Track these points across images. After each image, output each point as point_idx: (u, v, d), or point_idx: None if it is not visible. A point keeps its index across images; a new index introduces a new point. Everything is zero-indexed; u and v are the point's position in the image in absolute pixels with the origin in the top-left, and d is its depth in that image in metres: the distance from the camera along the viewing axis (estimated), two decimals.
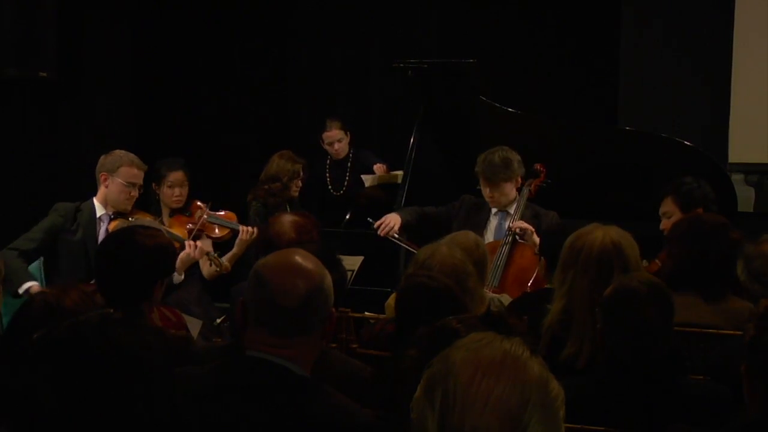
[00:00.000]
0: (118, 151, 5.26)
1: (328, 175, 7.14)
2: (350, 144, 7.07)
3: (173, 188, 5.75)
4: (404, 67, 6.13)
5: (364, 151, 7.20)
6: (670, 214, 4.90)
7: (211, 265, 5.43)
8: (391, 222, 5.47)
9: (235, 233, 5.66)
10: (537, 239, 5.23)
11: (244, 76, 8.23)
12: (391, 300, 4.05)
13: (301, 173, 6.26)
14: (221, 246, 5.71)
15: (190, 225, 5.64)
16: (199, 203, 5.82)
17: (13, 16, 6.39)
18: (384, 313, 4.12)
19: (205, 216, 5.63)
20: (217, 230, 5.70)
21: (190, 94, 7.86)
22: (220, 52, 8.10)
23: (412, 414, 1.57)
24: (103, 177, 5.18)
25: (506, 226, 5.42)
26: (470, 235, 4.21)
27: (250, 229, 5.61)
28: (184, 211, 5.82)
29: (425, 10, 7.98)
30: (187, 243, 5.33)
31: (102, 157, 5.25)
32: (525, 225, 5.28)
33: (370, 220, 5.52)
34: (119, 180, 5.16)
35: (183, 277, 5.29)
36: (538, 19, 7.66)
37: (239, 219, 5.89)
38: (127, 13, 7.56)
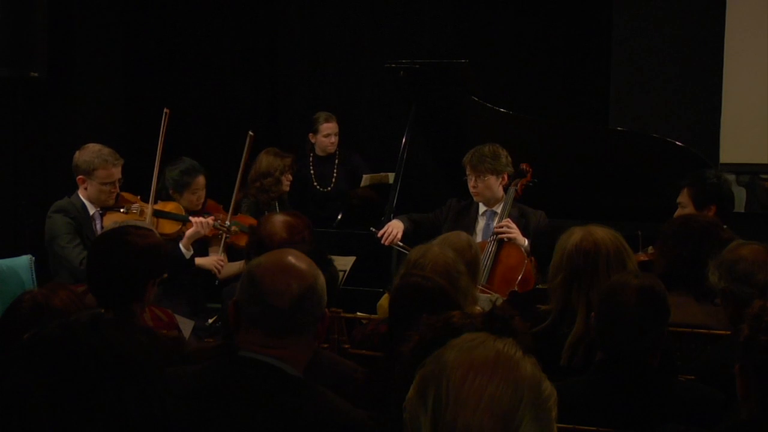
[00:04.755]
0: (91, 147, 5.27)
1: (312, 171, 7.12)
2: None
3: (197, 192, 5.71)
4: (396, 68, 6.13)
5: (355, 155, 7.21)
6: (685, 204, 4.87)
7: (221, 236, 5.45)
8: (395, 230, 5.51)
9: None
10: (522, 240, 5.26)
11: (235, 75, 8.22)
12: (384, 300, 4.06)
13: (291, 167, 6.30)
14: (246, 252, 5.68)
15: (214, 230, 5.57)
16: (215, 203, 5.83)
17: (4, 16, 6.37)
18: (376, 314, 4.12)
19: (228, 223, 5.57)
20: (244, 239, 5.66)
21: (182, 93, 7.85)
22: (212, 51, 8.08)
23: (405, 414, 1.57)
24: (80, 179, 5.22)
25: (493, 226, 5.44)
26: (462, 235, 4.21)
27: None
28: (202, 212, 5.77)
29: (417, 10, 7.98)
30: (193, 220, 5.37)
31: (76, 153, 5.26)
32: (509, 227, 5.29)
33: (373, 230, 5.53)
34: (96, 182, 5.20)
35: (192, 251, 5.35)
36: (530, 19, 7.66)
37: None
38: (118, 13, 7.55)
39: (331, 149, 7.05)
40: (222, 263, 5.52)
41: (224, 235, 5.56)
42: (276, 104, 8.53)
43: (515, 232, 5.29)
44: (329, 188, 7.08)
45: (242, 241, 5.66)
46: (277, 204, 6.27)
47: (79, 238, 5.16)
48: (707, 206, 4.81)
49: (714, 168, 5.68)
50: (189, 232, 5.35)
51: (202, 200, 5.77)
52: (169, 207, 5.57)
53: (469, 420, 1.48)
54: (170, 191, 5.68)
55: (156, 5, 7.78)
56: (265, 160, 6.25)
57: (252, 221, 5.89)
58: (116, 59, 7.56)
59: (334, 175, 7.06)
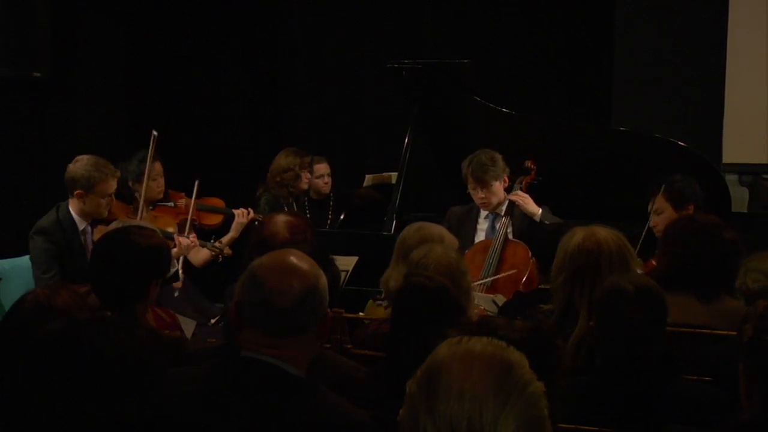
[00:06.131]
0: (85, 160, 5.12)
1: (308, 214, 6.99)
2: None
3: (157, 179, 5.76)
4: (398, 68, 6.14)
5: (351, 195, 7.14)
6: (661, 210, 5.01)
7: (213, 254, 5.45)
8: None
9: (227, 218, 5.74)
10: (536, 209, 5.31)
11: (237, 76, 8.22)
12: (371, 304, 4.09)
13: (310, 165, 6.38)
14: (214, 233, 5.78)
15: (182, 217, 5.67)
16: (179, 193, 5.88)
17: (6, 16, 6.38)
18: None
19: (194, 205, 5.66)
20: (208, 218, 5.78)
21: (183, 94, 7.85)
22: (214, 52, 8.08)
23: (401, 410, 1.60)
24: (78, 194, 5.08)
25: (498, 227, 5.44)
26: (434, 228, 4.18)
27: (245, 210, 5.71)
28: (165, 202, 5.83)
29: (419, 10, 7.98)
30: (176, 239, 5.35)
31: (70, 166, 5.12)
32: (522, 196, 5.42)
33: None
34: (96, 196, 5.09)
35: (177, 268, 5.30)
36: (532, 19, 7.66)
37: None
38: (120, 13, 7.55)
39: (326, 189, 6.88)
40: (191, 243, 5.44)
41: (190, 219, 5.60)
42: (279, 104, 8.53)
43: (530, 201, 5.35)
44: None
45: (210, 221, 5.78)
46: (294, 203, 6.35)
47: (57, 266, 5.01)
48: (686, 207, 4.91)
49: (715, 168, 5.70)
50: (173, 252, 5.23)
51: (162, 187, 5.81)
52: (159, 223, 5.57)
53: (458, 405, 1.53)
54: (130, 183, 5.69)
55: (158, 6, 7.78)
56: (285, 157, 6.39)
57: (219, 202, 5.98)
58: (119, 59, 7.56)
59: (329, 217, 6.95)
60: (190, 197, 5.73)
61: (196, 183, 5.69)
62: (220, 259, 5.46)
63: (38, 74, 6.59)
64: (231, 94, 8.18)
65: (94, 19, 7.33)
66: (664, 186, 5.04)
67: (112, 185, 5.16)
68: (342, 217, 6.64)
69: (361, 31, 8.13)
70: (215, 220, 5.85)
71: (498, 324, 2.15)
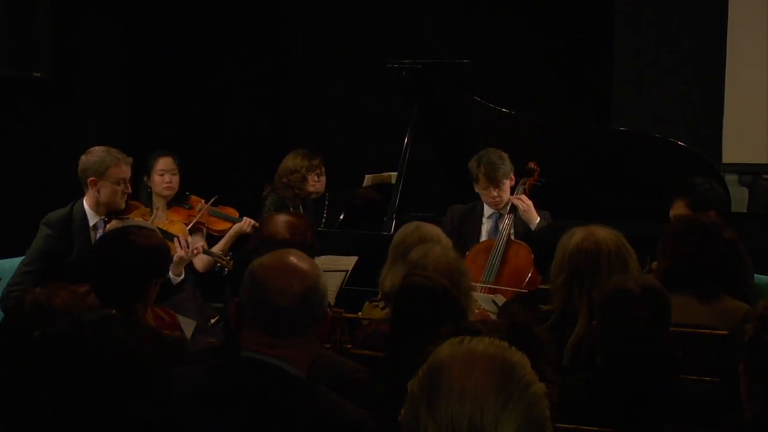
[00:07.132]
0: (97, 150, 5.05)
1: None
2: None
3: (164, 175, 5.76)
4: (398, 68, 6.13)
5: (350, 196, 7.11)
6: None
7: (217, 265, 5.42)
8: None
9: None
10: (536, 216, 5.30)
11: (237, 77, 8.22)
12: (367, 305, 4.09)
13: (318, 167, 6.38)
14: (218, 240, 5.81)
15: (191, 216, 5.68)
16: (198, 197, 5.89)
17: (6, 17, 6.38)
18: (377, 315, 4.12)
19: (206, 209, 5.70)
20: (218, 224, 5.79)
21: (184, 95, 7.85)
22: (214, 53, 8.09)
23: (402, 410, 1.60)
24: (92, 182, 4.96)
25: (501, 227, 5.44)
26: (429, 227, 4.18)
27: (251, 221, 5.73)
28: (183, 203, 5.83)
29: (419, 11, 7.98)
30: (179, 243, 5.27)
31: (83, 157, 5.04)
32: (523, 201, 5.40)
33: None
34: (109, 182, 4.98)
35: (183, 276, 5.22)
36: (532, 20, 7.66)
37: (251, 215, 5.96)
38: (120, 13, 7.55)
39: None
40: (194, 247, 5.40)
41: (196, 221, 5.66)
42: (280, 103, 8.53)
43: (531, 209, 5.34)
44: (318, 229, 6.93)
45: (218, 226, 5.82)
46: (301, 205, 6.35)
47: (41, 265, 4.84)
48: (707, 213, 4.79)
49: (715, 168, 5.69)
50: (175, 258, 5.04)
51: (173, 184, 5.79)
52: (174, 228, 5.55)
53: (459, 405, 1.54)
54: (145, 178, 5.74)
55: (159, 6, 7.78)
56: (293, 159, 6.38)
57: (233, 212, 6.00)
58: (119, 59, 7.56)
59: (324, 216, 6.91)
60: (211, 201, 5.83)
61: (212, 199, 5.83)
62: (225, 272, 5.42)
63: (38, 74, 6.59)
64: (231, 94, 8.18)
65: (94, 19, 7.33)
66: (683, 192, 4.85)
67: (126, 170, 5.04)
68: (342, 217, 6.63)
69: (361, 31, 8.13)
70: (224, 226, 5.88)
71: (478, 328, 2.15)
